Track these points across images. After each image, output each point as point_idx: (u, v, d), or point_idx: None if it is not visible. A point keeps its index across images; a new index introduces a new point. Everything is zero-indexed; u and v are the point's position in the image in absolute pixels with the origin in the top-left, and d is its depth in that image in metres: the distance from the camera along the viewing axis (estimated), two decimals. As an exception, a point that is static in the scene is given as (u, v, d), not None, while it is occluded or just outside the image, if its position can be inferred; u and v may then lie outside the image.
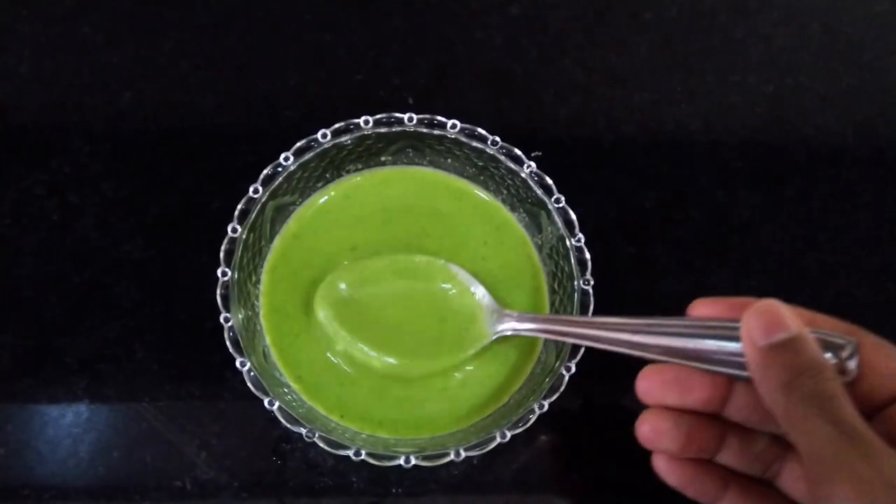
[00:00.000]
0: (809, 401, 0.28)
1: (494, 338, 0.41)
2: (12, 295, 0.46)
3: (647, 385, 0.33)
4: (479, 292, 0.42)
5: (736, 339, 0.30)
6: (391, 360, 0.41)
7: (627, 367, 0.47)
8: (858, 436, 0.27)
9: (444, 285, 0.42)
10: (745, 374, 0.30)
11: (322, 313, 0.41)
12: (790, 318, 0.29)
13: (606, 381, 0.46)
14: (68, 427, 0.44)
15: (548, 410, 0.38)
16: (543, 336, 0.40)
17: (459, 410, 0.41)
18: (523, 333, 0.40)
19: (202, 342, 0.45)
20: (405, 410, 0.41)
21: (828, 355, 0.30)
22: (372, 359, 0.41)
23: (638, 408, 0.46)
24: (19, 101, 0.51)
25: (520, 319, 0.40)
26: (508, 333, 0.40)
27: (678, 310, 0.49)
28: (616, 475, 0.45)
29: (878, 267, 0.50)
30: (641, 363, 0.47)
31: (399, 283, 0.42)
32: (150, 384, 0.45)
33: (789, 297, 0.49)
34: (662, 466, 0.34)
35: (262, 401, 0.38)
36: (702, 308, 0.34)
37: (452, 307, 0.41)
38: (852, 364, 0.30)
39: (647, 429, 0.33)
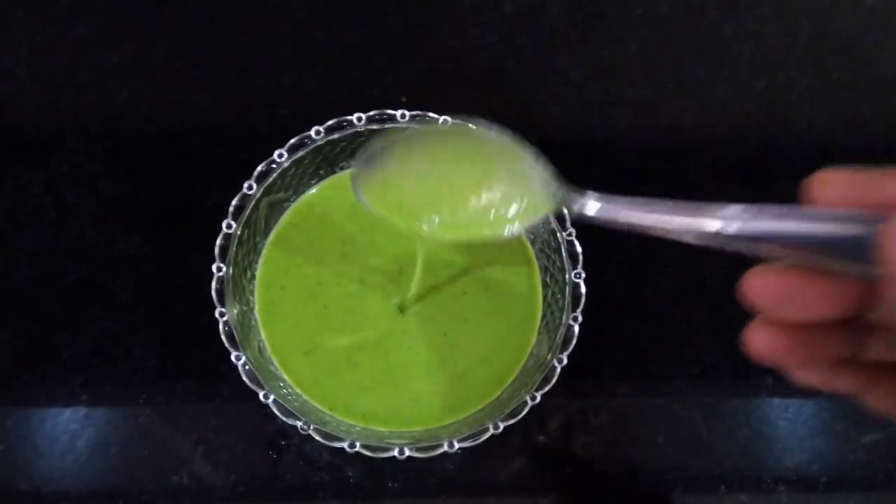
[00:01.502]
0: None
1: (550, 212, 0.36)
2: (9, 293, 0.46)
3: (761, 292, 0.25)
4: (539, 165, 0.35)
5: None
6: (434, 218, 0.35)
7: (622, 363, 0.47)
8: None
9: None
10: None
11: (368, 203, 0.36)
12: None
13: (602, 376, 0.47)
14: (66, 423, 0.44)
15: (542, 406, 0.38)
16: (618, 227, 0.31)
17: (453, 403, 0.42)
18: (594, 213, 0.32)
19: (198, 338, 0.45)
20: (399, 403, 0.41)
21: None
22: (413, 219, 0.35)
23: (633, 404, 0.47)
24: (16, 100, 0.51)
25: (588, 196, 0.32)
26: (583, 212, 0.32)
27: (671, 305, 0.50)
28: (611, 473, 0.45)
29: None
30: (637, 353, 0.48)
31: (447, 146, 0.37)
32: (147, 380, 0.45)
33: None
34: (792, 372, 0.27)
35: (257, 396, 0.38)
36: (828, 190, 0.24)
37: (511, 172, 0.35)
38: None
39: (763, 345, 0.25)
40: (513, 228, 0.34)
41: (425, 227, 0.35)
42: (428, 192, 0.35)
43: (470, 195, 0.35)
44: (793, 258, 0.24)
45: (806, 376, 0.26)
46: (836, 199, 0.24)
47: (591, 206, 0.32)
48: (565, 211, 0.42)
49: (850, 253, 0.23)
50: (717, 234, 0.26)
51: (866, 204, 0.23)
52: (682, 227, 0.27)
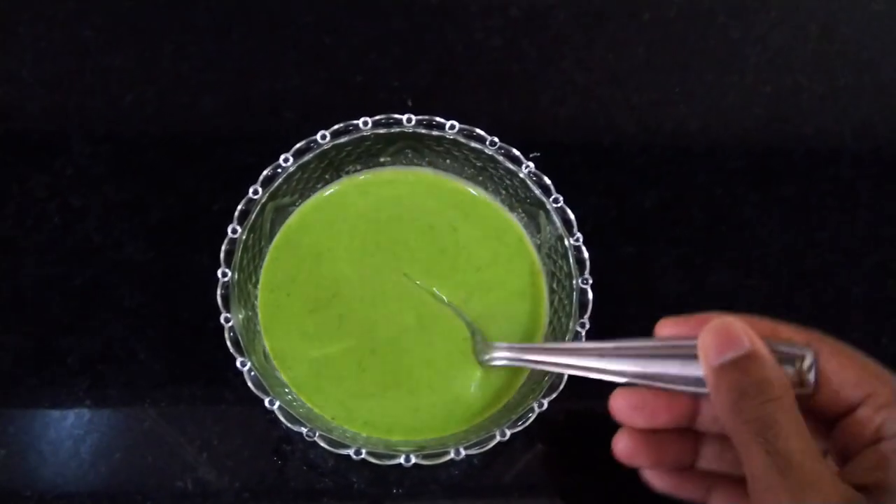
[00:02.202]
0: (751, 424, 0.28)
1: (480, 371, 0.42)
2: (15, 296, 0.46)
3: (618, 407, 0.35)
4: (469, 327, 0.42)
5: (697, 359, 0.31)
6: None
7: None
8: (791, 467, 0.27)
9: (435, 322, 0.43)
10: (706, 391, 0.31)
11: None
12: (744, 335, 0.30)
13: (607, 383, 0.46)
14: (70, 428, 0.44)
15: (548, 412, 0.38)
16: (520, 365, 0.40)
17: (459, 411, 0.41)
18: (501, 364, 0.40)
19: (203, 343, 0.45)
20: (405, 412, 0.41)
21: (787, 368, 0.30)
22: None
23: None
24: (21, 104, 0.51)
25: (496, 350, 0.41)
26: (488, 364, 0.41)
27: (677, 308, 0.49)
28: (615, 477, 0.45)
29: (876, 265, 0.51)
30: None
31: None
32: (152, 385, 0.45)
33: (789, 296, 0.50)
34: (647, 476, 0.36)
35: (262, 402, 0.38)
36: (667, 328, 0.34)
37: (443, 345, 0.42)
38: (811, 376, 0.30)
39: (621, 447, 0.35)
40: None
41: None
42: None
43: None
44: (641, 383, 0.33)
45: (660, 480, 0.35)
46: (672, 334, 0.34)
47: (500, 356, 0.40)
48: (571, 216, 0.42)
49: (681, 377, 0.32)
50: (593, 368, 0.35)
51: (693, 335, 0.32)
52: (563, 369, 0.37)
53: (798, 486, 0.27)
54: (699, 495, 0.35)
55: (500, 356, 0.40)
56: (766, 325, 0.32)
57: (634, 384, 0.34)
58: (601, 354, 0.35)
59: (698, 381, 0.31)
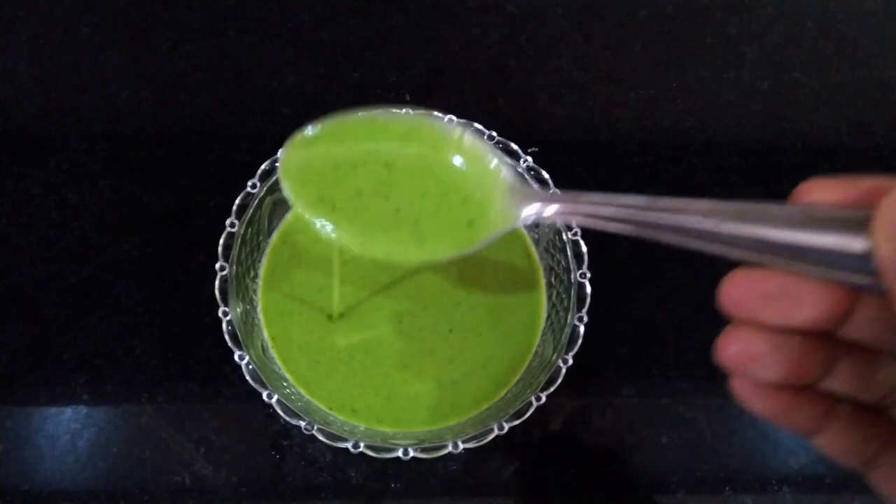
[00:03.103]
0: None
1: (514, 225, 0.31)
2: (11, 293, 0.46)
3: (739, 294, 0.24)
4: (496, 163, 0.31)
5: (863, 233, 0.21)
6: (378, 248, 0.32)
7: (626, 364, 0.47)
8: None
9: (450, 155, 0.32)
10: (873, 282, 0.21)
11: (287, 187, 0.33)
12: None
13: (606, 377, 0.46)
14: (67, 423, 0.44)
15: (546, 407, 0.38)
16: (583, 224, 0.29)
17: (457, 403, 0.41)
18: (554, 220, 0.30)
19: (200, 339, 0.45)
20: (403, 404, 0.41)
21: None
22: (355, 248, 0.32)
23: (637, 405, 0.47)
24: (18, 100, 0.51)
25: (550, 200, 0.30)
26: (532, 219, 0.30)
27: (675, 304, 0.50)
28: (615, 474, 0.45)
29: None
30: (641, 354, 0.47)
31: (389, 148, 0.33)
32: (149, 381, 0.45)
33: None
34: (745, 392, 0.25)
35: (260, 397, 0.38)
36: (816, 191, 0.23)
37: (459, 182, 0.32)
38: None
39: (736, 351, 0.24)
40: (471, 247, 0.31)
41: (358, 243, 0.32)
42: (371, 201, 0.32)
43: (419, 209, 0.32)
44: (778, 264, 0.23)
45: (766, 400, 0.25)
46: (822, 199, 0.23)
47: (541, 209, 0.30)
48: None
49: (839, 253, 0.21)
50: (703, 233, 0.24)
51: (853, 202, 0.22)
52: (661, 224, 0.25)
53: None
54: (812, 424, 0.26)
55: (550, 211, 0.29)
56: None
57: (761, 264, 0.23)
58: (720, 215, 0.24)
59: (863, 268, 0.21)
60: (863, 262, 0.21)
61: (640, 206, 0.26)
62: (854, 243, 0.21)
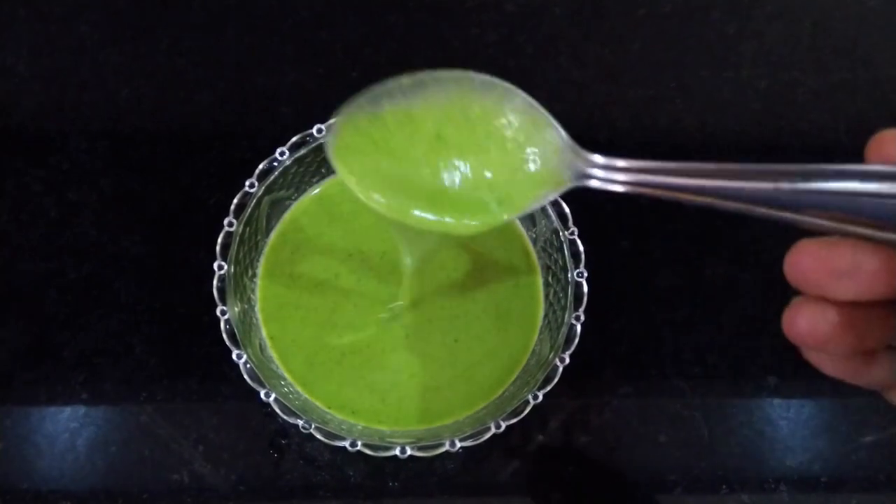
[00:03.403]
0: None
1: (572, 185, 0.28)
2: (11, 291, 0.46)
3: (808, 268, 0.22)
4: (553, 124, 0.30)
5: None
6: (440, 216, 0.30)
7: (624, 362, 0.47)
8: None
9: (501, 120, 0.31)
10: None
11: (339, 165, 0.31)
12: None
13: (603, 376, 0.47)
14: (66, 421, 0.44)
15: (544, 406, 0.38)
16: (644, 192, 0.27)
17: (454, 402, 0.41)
18: (613, 188, 0.27)
19: (199, 338, 0.45)
20: (401, 402, 0.41)
21: None
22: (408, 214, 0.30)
23: (635, 404, 0.47)
24: (18, 98, 0.51)
25: (608, 167, 0.28)
26: (594, 185, 0.28)
27: (673, 303, 0.50)
28: (613, 473, 0.45)
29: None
30: (639, 353, 0.47)
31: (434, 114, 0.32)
32: (148, 379, 0.45)
33: (784, 291, 0.50)
34: (819, 362, 0.25)
35: (258, 395, 0.38)
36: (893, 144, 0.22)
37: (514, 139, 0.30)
38: None
39: (806, 326, 0.23)
40: (524, 208, 0.30)
41: (415, 213, 0.30)
42: (422, 167, 0.30)
43: (473, 169, 0.30)
44: (851, 231, 0.22)
45: (838, 365, 0.24)
46: None
47: (620, 176, 0.27)
48: (567, 209, 0.42)
49: None
50: (776, 192, 0.23)
51: None
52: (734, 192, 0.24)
53: None
54: (885, 380, 0.25)
55: (610, 177, 0.28)
56: None
57: (831, 232, 0.22)
58: (788, 176, 0.22)
59: None
60: None
61: (696, 172, 0.24)
62: None
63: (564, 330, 0.40)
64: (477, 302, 0.43)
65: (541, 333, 0.43)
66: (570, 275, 0.41)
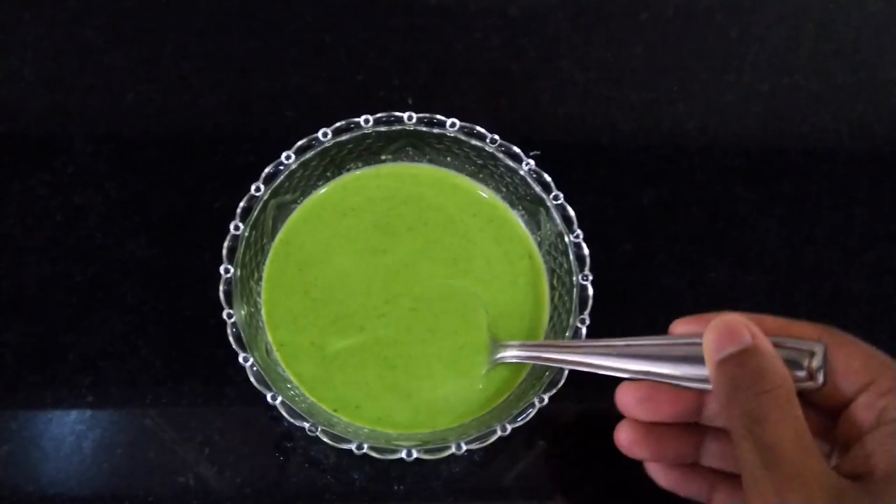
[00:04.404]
0: (743, 417, 0.29)
1: (489, 369, 0.42)
2: (16, 294, 0.46)
3: (624, 400, 0.36)
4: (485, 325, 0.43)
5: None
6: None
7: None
8: (776, 459, 0.28)
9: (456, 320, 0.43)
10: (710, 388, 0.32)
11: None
12: (745, 331, 0.30)
13: (608, 378, 0.47)
14: (72, 424, 0.44)
15: (549, 410, 0.38)
16: (531, 362, 0.41)
17: (460, 405, 0.41)
18: (511, 361, 0.41)
19: (205, 341, 0.45)
20: (407, 406, 0.41)
21: (798, 363, 0.31)
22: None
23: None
24: (23, 102, 0.51)
25: (509, 348, 0.41)
26: (501, 362, 0.41)
27: (675, 304, 0.50)
28: (617, 475, 0.45)
29: (874, 262, 0.51)
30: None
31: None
32: (154, 382, 0.45)
33: (787, 292, 0.50)
34: (650, 469, 0.36)
35: (264, 398, 0.38)
36: (680, 327, 0.35)
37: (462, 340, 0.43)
38: (821, 370, 0.31)
39: (623, 437, 0.36)
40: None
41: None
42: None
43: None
44: (651, 379, 0.35)
45: (663, 476, 0.36)
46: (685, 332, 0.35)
47: (513, 355, 0.41)
48: (571, 213, 0.42)
49: (690, 377, 0.33)
50: (607, 367, 0.36)
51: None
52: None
53: (782, 479, 0.27)
54: (702, 493, 0.36)
55: (511, 354, 0.41)
56: (779, 322, 0.33)
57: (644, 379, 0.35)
58: (611, 353, 0.36)
59: (705, 379, 0.32)
60: (706, 379, 0.32)
61: (562, 348, 0.39)
62: (699, 368, 0.32)
63: (570, 333, 0.40)
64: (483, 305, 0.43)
65: (546, 336, 0.43)
66: (574, 278, 0.41)
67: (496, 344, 0.41)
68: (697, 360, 0.32)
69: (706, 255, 0.50)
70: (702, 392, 0.35)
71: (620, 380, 0.36)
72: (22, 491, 0.42)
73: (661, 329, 0.48)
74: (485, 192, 0.46)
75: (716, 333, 0.31)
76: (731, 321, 0.31)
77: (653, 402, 0.35)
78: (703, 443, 0.36)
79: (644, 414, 0.35)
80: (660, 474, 0.36)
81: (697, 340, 0.32)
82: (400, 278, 0.43)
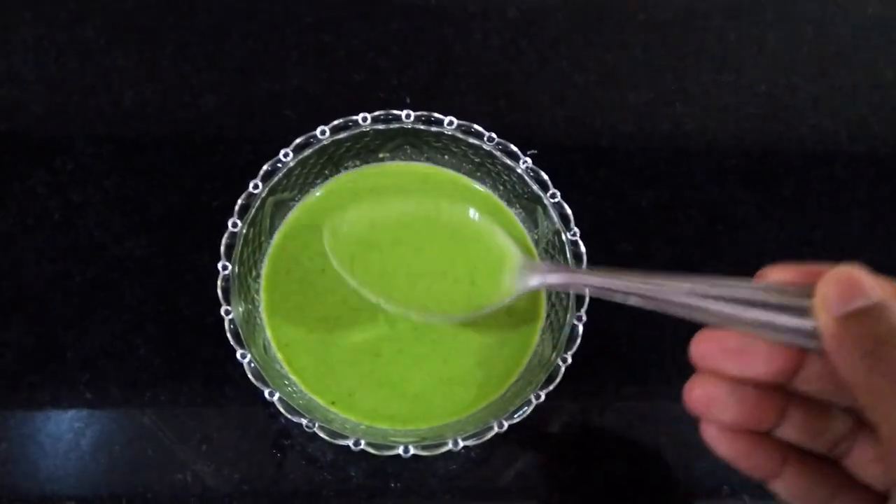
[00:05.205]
0: (891, 376, 0.24)
1: (523, 291, 0.39)
2: (16, 293, 0.47)
3: (706, 350, 0.29)
4: (507, 242, 0.40)
5: (809, 310, 0.27)
6: (408, 311, 0.41)
7: (625, 363, 0.47)
8: None
9: (468, 231, 0.41)
10: (816, 346, 0.27)
11: (333, 258, 0.40)
12: (870, 286, 0.26)
13: (605, 376, 0.47)
14: (70, 421, 0.44)
15: (545, 407, 0.38)
16: (578, 290, 0.37)
17: (457, 401, 0.42)
18: (556, 288, 0.38)
19: (203, 339, 0.45)
20: (404, 401, 0.41)
21: None
22: (388, 308, 0.41)
23: (636, 405, 0.47)
24: (23, 102, 0.52)
25: (550, 271, 0.37)
26: (537, 286, 0.38)
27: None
28: (614, 473, 0.45)
29: (871, 263, 0.50)
30: (640, 354, 0.48)
31: (417, 229, 0.42)
32: (152, 379, 0.45)
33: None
34: (712, 436, 0.30)
35: (262, 396, 0.38)
36: (775, 274, 0.29)
37: (477, 257, 0.41)
38: None
39: (700, 394, 0.29)
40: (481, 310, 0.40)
41: (388, 306, 0.40)
42: (398, 272, 0.41)
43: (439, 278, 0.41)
44: (742, 330, 0.28)
45: (728, 444, 0.29)
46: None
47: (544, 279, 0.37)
48: (568, 211, 0.42)
49: (790, 328, 0.27)
50: (682, 305, 0.30)
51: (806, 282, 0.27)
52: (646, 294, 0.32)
53: None
54: (769, 467, 0.30)
55: (552, 279, 0.37)
56: (890, 286, 0.28)
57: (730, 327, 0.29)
58: (693, 292, 0.30)
59: (809, 334, 0.27)
60: (808, 332, 0.26)
61: (621, 277, 0.33)
62: (800, 319, 0.26)
63: (566, 330, 0.41)
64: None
65: (543, 334, 0.43)
66: (571, 276, 0.41)
67: (532, 264, 0.39)
68: (799, 311, 0.27)
69: (704, 257, 0.51)
70: (805, 351, 0.28)
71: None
72: (20, 488, 0.43)
73: (662, 328, 0.48)
74: (482, 191, 0.46)
75: (836, 286, 0.26)
76: (855, 274, 0.26)
77: (746, 355, 0.28)
78: (786, 410, 0.30)
79: (732, 367, 0.29)
80: (722, 441, 0.30)
81: (801, 291, 0.27)
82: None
